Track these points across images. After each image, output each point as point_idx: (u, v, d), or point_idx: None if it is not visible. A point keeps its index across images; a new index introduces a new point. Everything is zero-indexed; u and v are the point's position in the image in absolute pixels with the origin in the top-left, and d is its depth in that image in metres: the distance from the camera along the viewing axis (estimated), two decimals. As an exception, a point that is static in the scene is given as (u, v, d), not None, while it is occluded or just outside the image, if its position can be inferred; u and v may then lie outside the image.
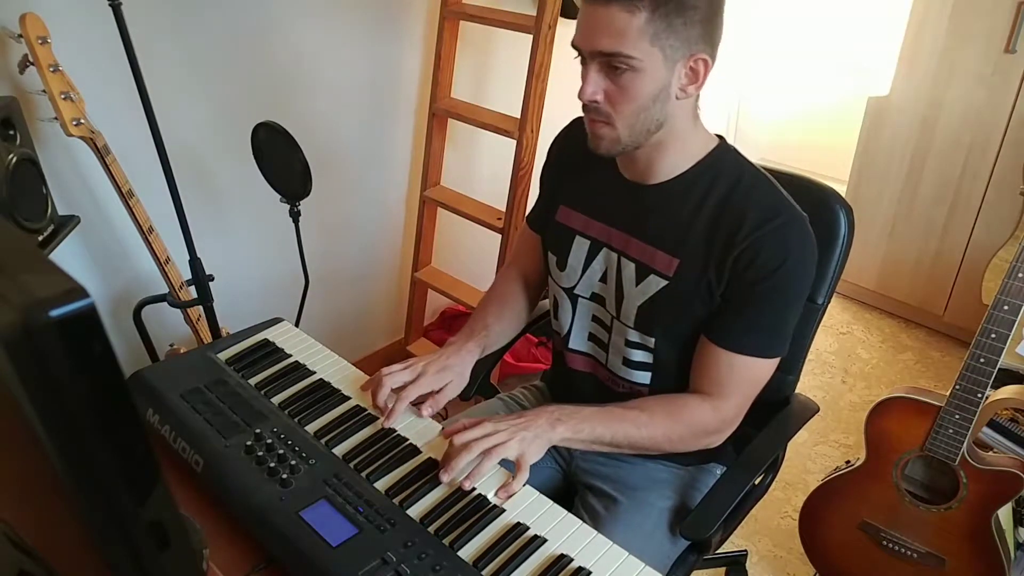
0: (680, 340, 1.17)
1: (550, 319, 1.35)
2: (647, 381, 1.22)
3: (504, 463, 1.02)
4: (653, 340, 1.18)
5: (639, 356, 1.20)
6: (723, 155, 1.14)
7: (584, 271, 1.23)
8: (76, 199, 1.64)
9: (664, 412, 1.13)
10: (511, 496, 0.98)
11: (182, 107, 1.74)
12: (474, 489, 0.99)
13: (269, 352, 1.23)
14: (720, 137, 1.17)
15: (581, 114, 1.11)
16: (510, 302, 1.37)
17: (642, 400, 1.16)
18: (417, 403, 1.13)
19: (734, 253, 1.08)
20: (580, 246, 1.23)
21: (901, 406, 1.52)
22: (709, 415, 1.14)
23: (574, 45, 1.05)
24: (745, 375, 1.13)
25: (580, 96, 1.06)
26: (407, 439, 1.07)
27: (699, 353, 1.16)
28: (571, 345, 1.29)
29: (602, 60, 1.02)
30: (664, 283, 1.13)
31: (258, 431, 1.04)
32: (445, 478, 0.98)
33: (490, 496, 0.98)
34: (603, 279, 1.21)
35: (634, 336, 1.19)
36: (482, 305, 1.37)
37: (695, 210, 1.12)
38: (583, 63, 1.06)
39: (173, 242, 1.64)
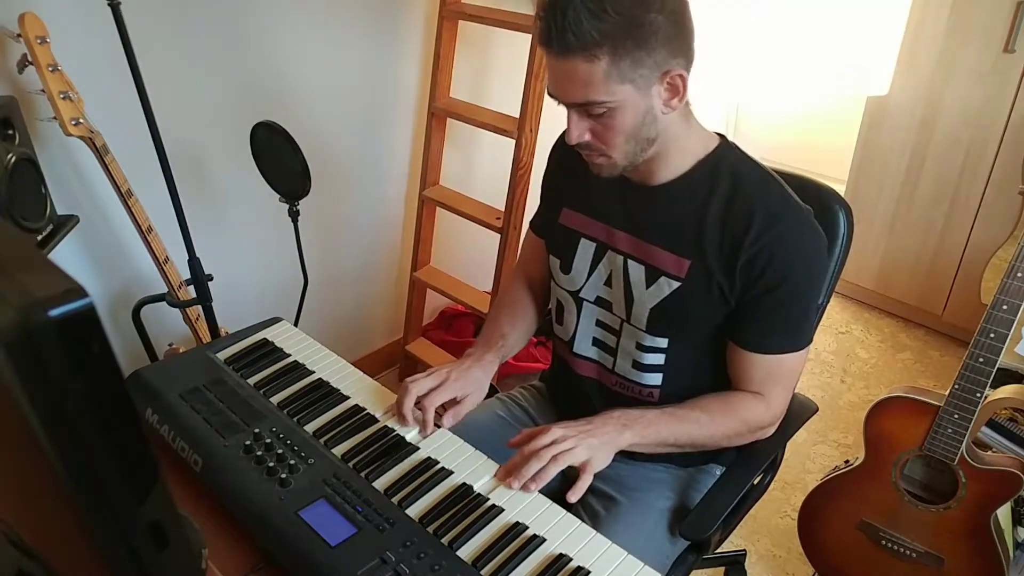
0: (695, 340, 1.18)
1: (552, 323, 1.35)
2: (658, 383, 1.22)
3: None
4: (667, 341, 1.18)
5: (651, 359, 1.20)
6: (725, 153, 1.14)
7: (590, 274, 1.23)
8: (75, 199, 1.64)
9: (722, 411, 1.16)
10: (577, 497, 1.03)
11: (181, 106, 1.74)
12: (472, 489, 0.99)
13: (268, 352, 1.23)
14: (721, 136, 1.17)
15: None
16: (521, 310, 1.37)
17: (699, 399, 1.18)
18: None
19: (743, 257, 1.08)
20: (586, 248, 1.23)
21: (900, 406, 1.52)
22: (763, 410, 1.18)
23: (550, 93, 1.06)
24: (784, 370, 1.17)
25: (567, 141, 1.07)
26: (406, 439, 1.07)
27: (733, 360, 1.17)
28: (576, 350, 1.29)
29: (578, 108, 1.03)
30: (677, 285, 1.13)
31: (257, 431, 1.04)
32: (516, 484, 1.00)
33: (487, 494, 0.98)
34: (608, 283, 1.21)
35: (647, 339, 1.18)
36: (494, 314, 1.37)
37: (701, 210, 1.11)
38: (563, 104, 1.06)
39: (172, 242, 1.64)
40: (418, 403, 1.12)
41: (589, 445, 1.04)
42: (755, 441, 1.26)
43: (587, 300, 1.25)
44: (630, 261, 1.18)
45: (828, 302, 1.32)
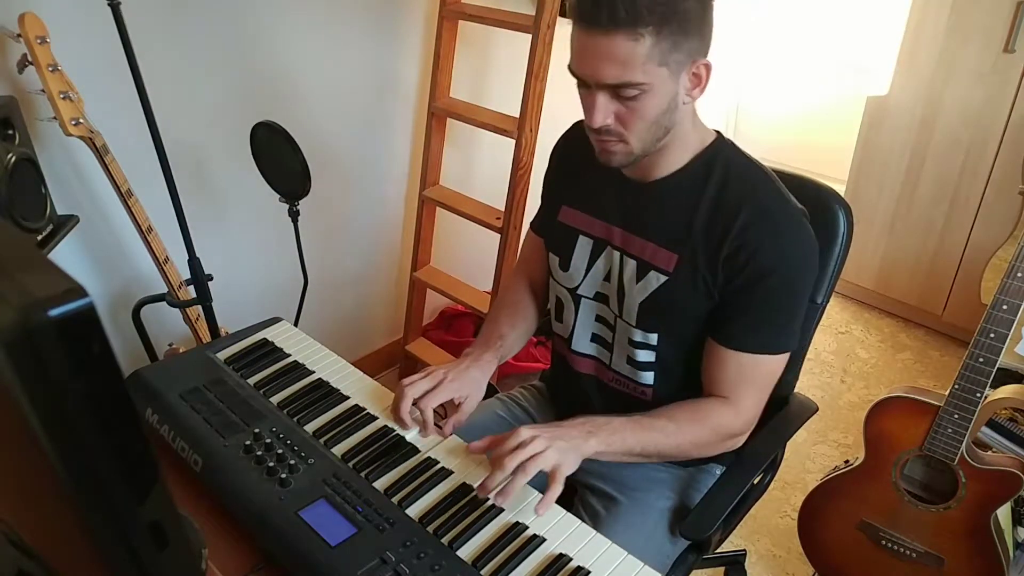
0: (683, 338, 1.17)
1: (551, 321, 1.35)
2: (651, 382, 1.22)
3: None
4: (656, 337, 1.17)
5: (643, 355, 1.20)
6: (720, 149, 1.14)
7: (588, 270, 1.23)
8: (75, 199, 1.64)
9: (689, 419, 1.12)
10: (548, 508, 0.96)
11: (181, 106, 1.74)
12: (472, 488, 0.99)
13: (268, 352, 1.23)
14: (717, 132, 1.17)
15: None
16: (521, 309, 1.37)
17: (666, 408, 1.15)
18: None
19: (726, 249, 1.08)
20: (583, 246, 1.23)
21: (900, 406, 1.52)
22: (732, 417, 1.14)
23: (573, 72, 1.03)
24: (757, 373, 1.14)
25: (590, 124, 1.04)
26: (406, 439, 1.07)
27: (708, 356, 1.15)
28: (575, 347, 1.29)
29: (609, 89, 1.01)
30: (664, 279, 1.13)
31: (257, 431, 1.04)
32: (482, 495, 0.96)
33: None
34: (607, 278, 1.21)
35: (637, 335, 1.18)
36: (494, 314, 1.36)
37: (693, 205, 1.12)
38: (584, 85, 1.04)
39: (172, 242, 1.64)
40: (415, 404, 1.11)
41: (559, 448, 0.99)
42: (755, 441, 1.26)
43: (585, 297, 1.25)
44: (625, 257, 1.18)
45: (828, 302, 1.32)
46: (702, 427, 1.12)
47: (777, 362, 1.14)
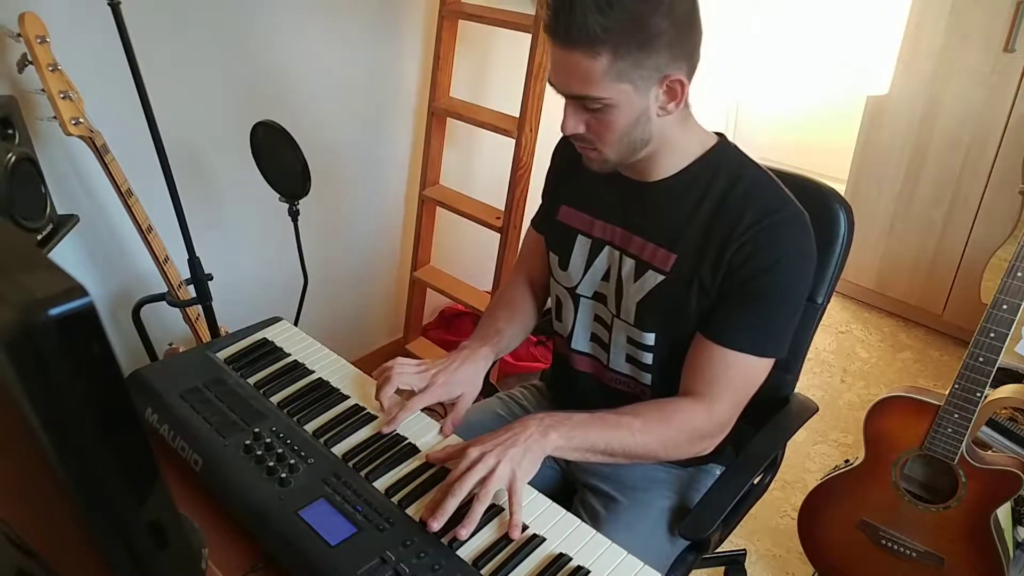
0: (679, 338, 1.17)
1: (551, 319, 1.35)
2: (648, 382, 1.22)
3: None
4: (652, 337, 1.17)
5: (640, 355, 1.20)
6: (723, 152, 1.14)
7: (587, 270, 1.23)
8: (75, 198, 1.64)
9: (658, 417, 1.09)
10: (521, 528, 0.93)
11: (181, 106, 1.74)
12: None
13: (268, 351, 1.23)
14: (720, 135, 1.16)
15: None
16: (519, 306, 1.36)
17: (634, 406, 1.12)
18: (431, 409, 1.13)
19: (731, 249, 1.07)
20: (582, 245, 1.23)
21: (900, 405, 1.52)
22: (703, 418, 1.11)
23: (550, 81, 1.06)
24: (738, 374, 1.11)
25: (562, 131, 1.07)
26: (406, 438, 1.07)
27: (693, 350, 1.14)
28: (574, 346, 1.29)
29: (576, 100, 1.03)
30: (661, 278, 1.13)
31: (257, 430, 1.04)
32: (435, 525, 0.90)
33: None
34: (605, 277, 1.21)
35: (634, 334, 1.18)
36: (492, 309, 1.36)
37: (694, 206, 1.11)
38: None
39: (172, 241, 1.64)
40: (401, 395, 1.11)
41: (511, 457, 0.96)
42: (755, 441, 1.26)
43: (584, 296, 1.25)
44: (624, 256, 1.18)
45: (828, 302, 1.32)
46: (670, 426, 1.09)
47: (760, 366, 1.12)
